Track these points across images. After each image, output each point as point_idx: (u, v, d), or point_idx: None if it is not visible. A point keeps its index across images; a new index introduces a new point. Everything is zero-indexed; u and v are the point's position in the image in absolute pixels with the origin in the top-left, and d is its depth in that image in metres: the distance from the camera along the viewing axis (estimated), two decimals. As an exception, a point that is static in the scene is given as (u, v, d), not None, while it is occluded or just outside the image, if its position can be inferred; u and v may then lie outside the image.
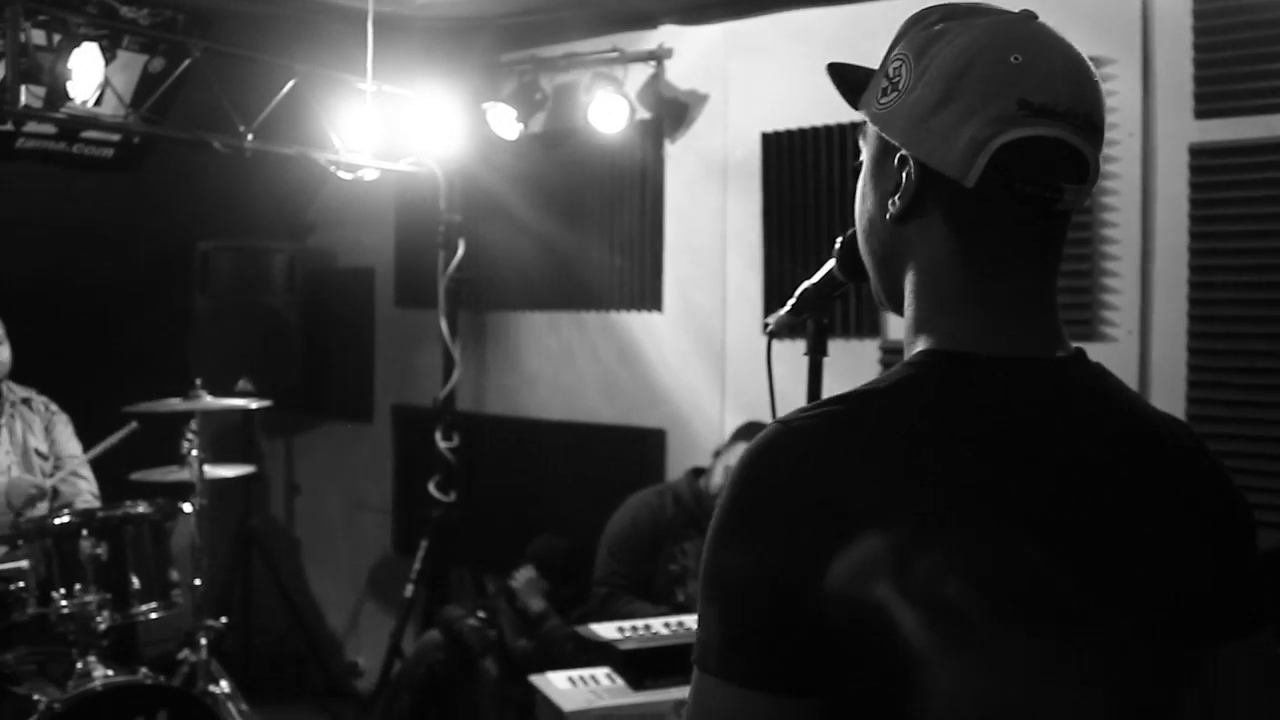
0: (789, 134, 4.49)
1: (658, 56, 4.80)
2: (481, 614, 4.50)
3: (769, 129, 4.55)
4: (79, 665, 3.48)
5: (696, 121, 4.80)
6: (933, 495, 0.98)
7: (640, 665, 3.22)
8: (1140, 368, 3.70)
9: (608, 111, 4.70)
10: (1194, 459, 1.14)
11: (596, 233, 5.07)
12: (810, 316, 1.56)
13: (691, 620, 3.36)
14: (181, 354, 5.32)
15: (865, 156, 1.16)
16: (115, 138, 4.77)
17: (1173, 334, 3.66)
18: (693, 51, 4.78)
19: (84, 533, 3.59)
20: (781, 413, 1.09)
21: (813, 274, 1.55)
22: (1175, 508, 1.09)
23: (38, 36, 3.80)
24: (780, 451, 1.01)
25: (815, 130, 4.41)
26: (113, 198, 4.95)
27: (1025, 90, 1.02)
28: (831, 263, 1.47)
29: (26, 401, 4.33)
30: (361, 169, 4.74)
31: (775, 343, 1.62)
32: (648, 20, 4.84)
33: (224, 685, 4.17)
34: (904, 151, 1.08)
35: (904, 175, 1.08)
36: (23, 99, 3.72)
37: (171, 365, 4.93)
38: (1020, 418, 1.05)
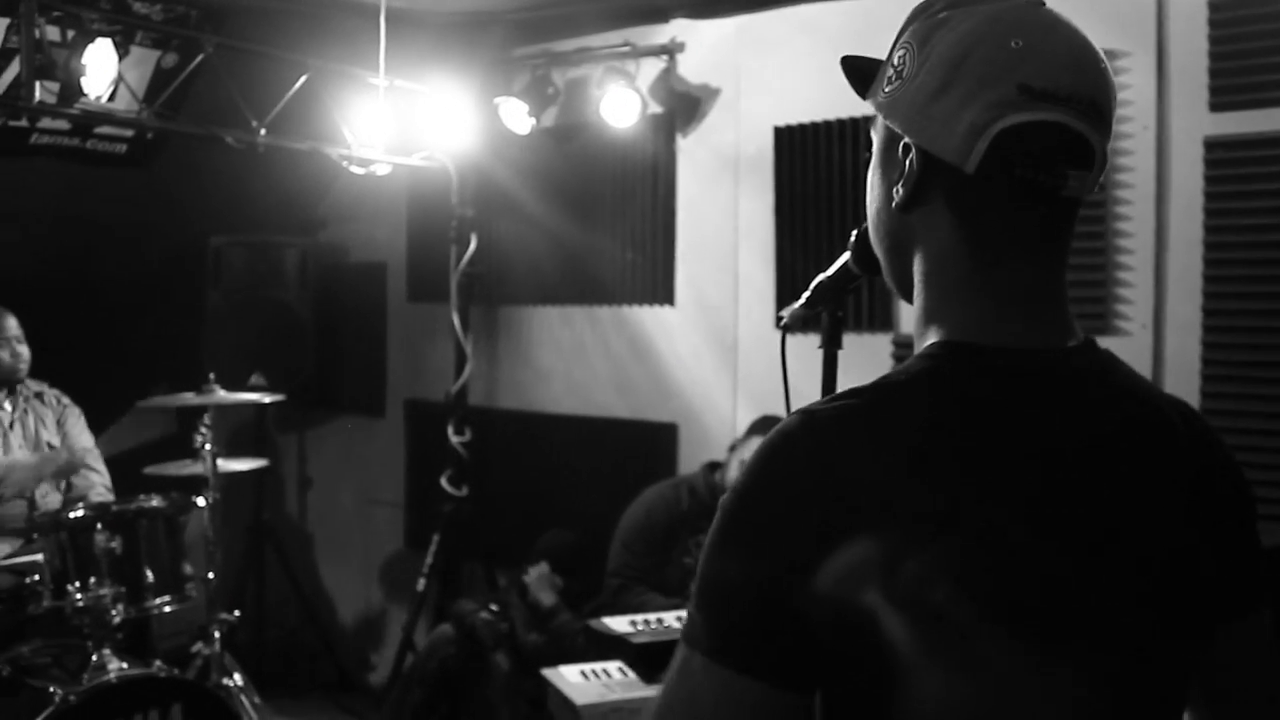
0: (801, 128, 4.48)
1: (670, 50, 4.80)
2: (494, 608, 4.51)
3: (781, 123, 4.54)
4: (94, 658, 3.49)
5: (708, 115, 4.79)
6: (935, 494, 0.97)
7: (653, 659, 3.21)
8: (1154, 362, 3.68)
9: (619, 106, 4.70)
10: (1202, 442, 1.14)
11: (608, 227, 5.06)
12: (824, 309, 1.55)
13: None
14: (194, 349, 5.33)
15: (874, 147, 1.16)
16: (128, 133, 4.79)
17: (1187, 328, 3.65)
18: (705, 45, 4.77)
19: (99, 526, 3.61)
20: (795, 407, 1.09)
21: (825, 268, 1.55)
22: (1183, 495, 1.09)
23: (52, 33, 3.81)
24: (796, 444, 1.01)
25: (828, 124, 4.40)
26: (126, 193, 4.96)
27: (1025, 75, 1.01)
28: (846, 255, 1.47)
29: (39, 395, 4.36)
30: (374, 164, 4.74)
31: (788, 336, 1.62)
32: (659, 14, 4.83)
33: (237, 678, 4.18)
34: (907, 139, 1.08)
35: (907, 163, 1.08)
36: (37, 95, 3.73)
37: (184, 360, 4.95)
38: (1028, 412, 1.04)
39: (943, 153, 1.05)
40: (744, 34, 4.67)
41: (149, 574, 3.75)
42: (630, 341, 5.07)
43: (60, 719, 3.28)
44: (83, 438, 4.38)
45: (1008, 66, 1.02)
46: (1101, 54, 1.07)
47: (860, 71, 1.17)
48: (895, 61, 1.10)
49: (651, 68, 4.83)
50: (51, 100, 3.83)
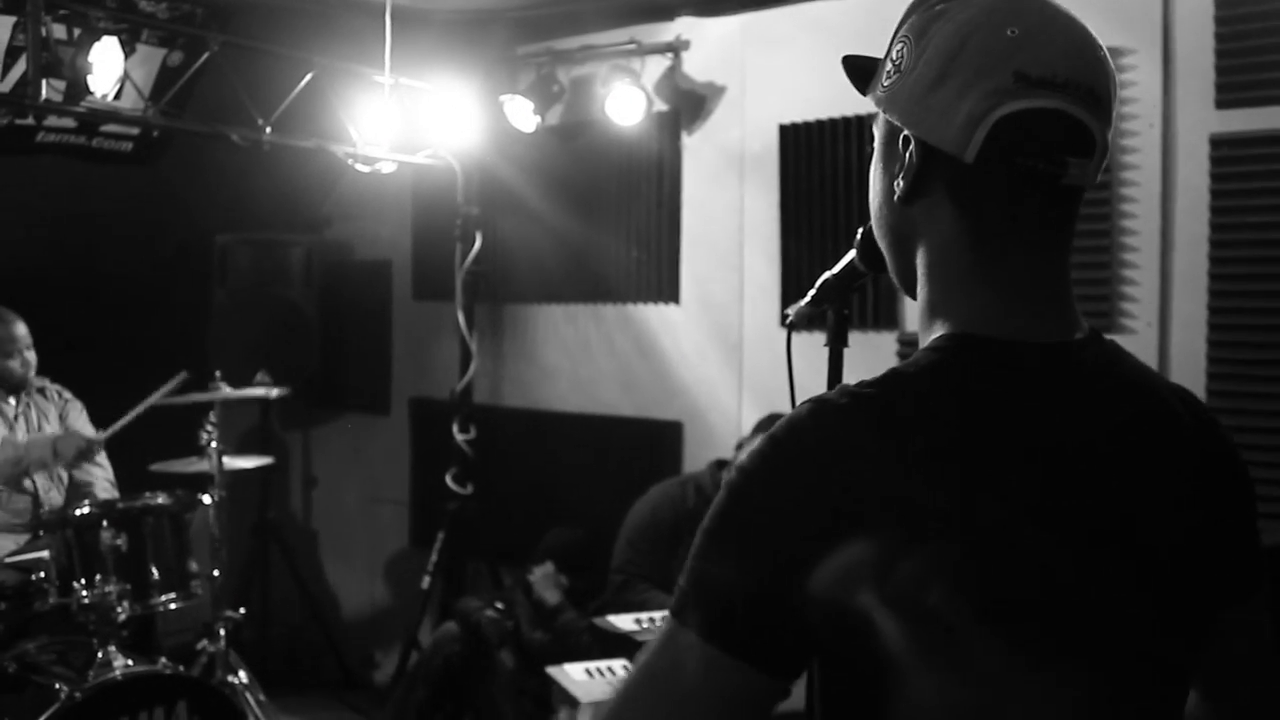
0: (806, 126, 4.48)
1: (675, 48, 4.80)
2: (499, 606, 4.51)
3: (786, 121, 4.54)
4: (99, 655, 3.50)
5: (714, 113, 4.79)
6: (937, 492, 0.97)
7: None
8: (1160, 360, 3.68)
9: (625, 104, 4.70)
10: (1204, 428, 1.14)
11: (613, 225, 5.06)
12: (830, 307, 1.55)
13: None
14: (200, 347, 5.34)
15: (876, 142, 1.16)
16: (134, 131, 4.80)
17: (1193, 326, 3.64)
18: (710, 43, 4.77)
19: (104, 524, 3.61)
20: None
21: (830, 266, 1.55)
22: (1187, 484, 1.09)
23: (58, 31, 3.82)
24: (804, 435, 1.01)
25: (833, 122, 4.40)
26: (131, 191, 4.97)
27: (1022, 63, 1.01)
28: (852, 253, 1.47)
29: (41, 391, 4.37)
30: (379, 162, 4.74)
31: (794, 334, 1.62)
32: (665, 12, 4.83)
33: (242, 676, 4.19)
34: (907, 131, 1.08)
35: (907, 155, 1.08)
36: (43, 93, 3.74)
37: (190, 358, 4.95)
38: (1033, 407, 1.04)
39: (942, 143, 1.04)
40: (749, 31, 4.67)
41: (154, 571, 3.75)
42: (635, 339, 5.07)
43: (65, 716, 3.29)
44: (85, 431, 4.38)
45: (1004, 55, 1.02)
46: (1100, 42, 1.07)
47: (861, 70, 1.17)
48: (894, 55, 1.10)
49: (656, 65, 4.83)
50: (57, 98, 3.84)
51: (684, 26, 4.81)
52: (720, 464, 4.35)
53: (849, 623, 0.95)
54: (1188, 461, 1.10)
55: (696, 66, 4.80)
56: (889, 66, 1.10)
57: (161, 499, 3.84)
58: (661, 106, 4.83)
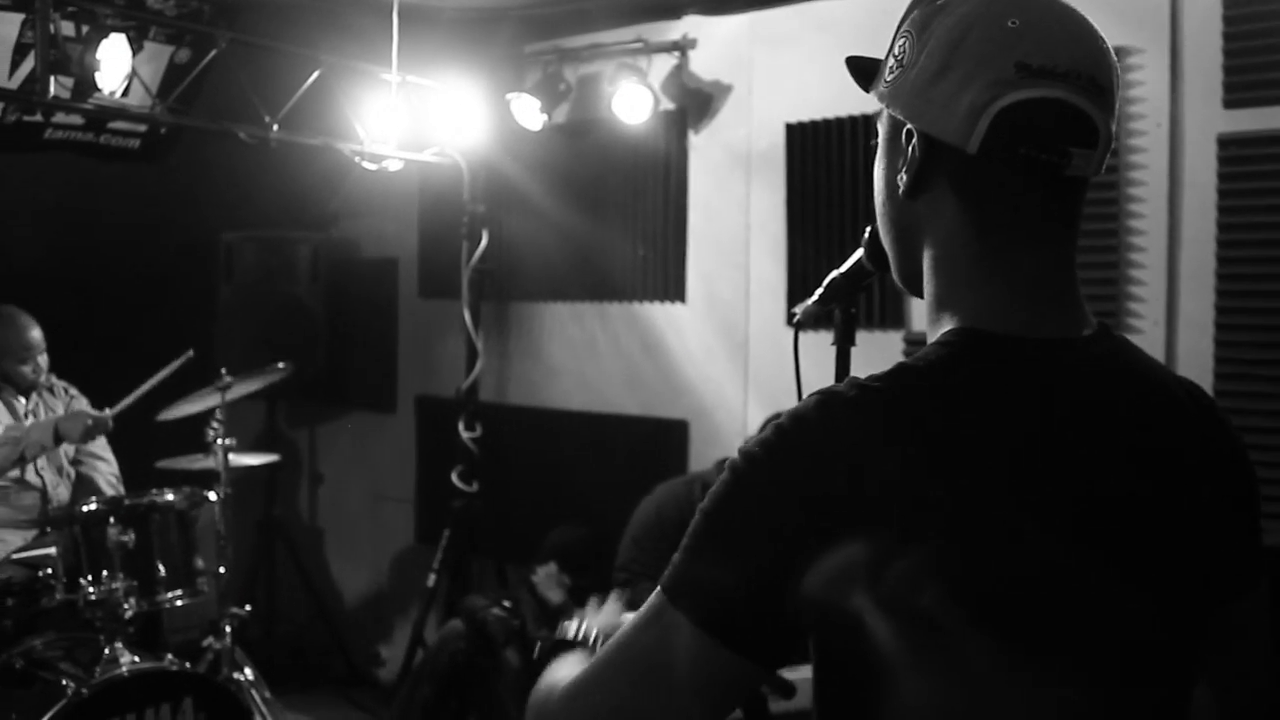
0: (813, 124, 4.48)
1: (682, 47, 4.80)
2: (505, 604, 4.52)
3: (793, 119, 4.54)
4: (106, 651, 3.50)
5: (720, 112, 4.79)
6: (939, 490, 0.97)
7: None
8: (1167, 358, 3.67)
9: (631, 102, 4.70)
10: (1209, 421, 1.14)
11: (620, 223, 5.06)
12: (837, 306, 1.55)
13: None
14: (206, 344, 5.34)
15: (879, 138, 1.16)
16: (142, 128, 4.80)
17: (1200, 325, 3.64)
18: (717, 42, 4.77)
19: (111, 520, 3.62)
20: None
21: (837, 264, 1.55)
22: (1192, 479, 1.09)
23: (66, 28, 3.83)
24: (809, 430, 1.00)
25: (839, 120, 4.40)
26: (139, 188, 4.97)
27: (1023, 53, 1.01)
28: (860, 252, 1.47)
29: (49, 387, 4.38)
30: (386, 159, 4.74)
31: (801, 333, 1.62)
32: (672, 10, 4.83)
33: (247, 673, 4.19)
34: (910, 125, 1.08)
35: (911, 149, 1.08)
36: (52, 90, 3.75)
37: (196, 354, 4.96)
38: (1039, 404, 1.04)
39: (944, 135, 1.04)
40: (756, 30, 4.66)
41: (161, 568, 3.76)
42: (641, 338, 5.07)
43: (72, 712, 3.30)
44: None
45: (1005, 45, 1.02)
46: (1101, 33, 1.06)
47: (865, 70, 1.17)
48: (896, 50, 1.10)
49: (663, 64, 4.82)
50: (66, 95, 3.85)
51: (691, 25, 4.81)
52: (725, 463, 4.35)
53: (842, 621, 0.95)
54: (1191, 455, 1.10)
55: (703, 65, 4.80)
56: (891, 62, 1.10)
57: (169, 496, 3.85)
58: (668, 105, 4.83)
